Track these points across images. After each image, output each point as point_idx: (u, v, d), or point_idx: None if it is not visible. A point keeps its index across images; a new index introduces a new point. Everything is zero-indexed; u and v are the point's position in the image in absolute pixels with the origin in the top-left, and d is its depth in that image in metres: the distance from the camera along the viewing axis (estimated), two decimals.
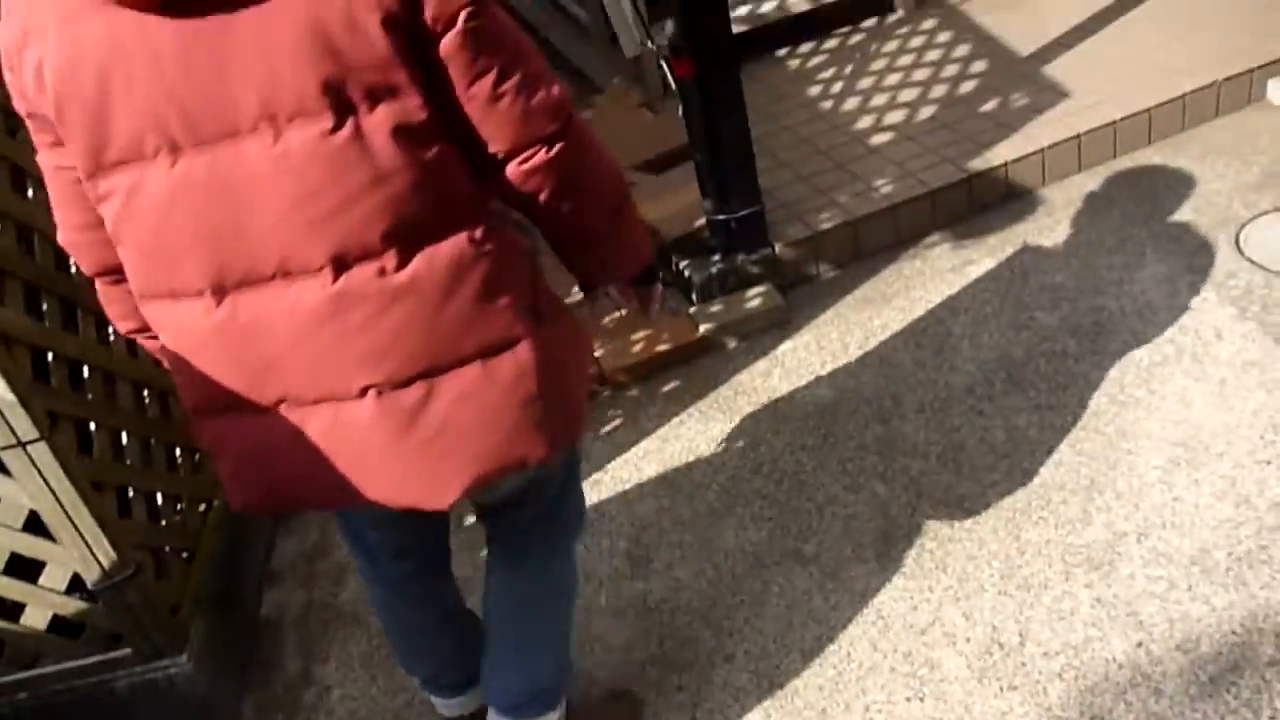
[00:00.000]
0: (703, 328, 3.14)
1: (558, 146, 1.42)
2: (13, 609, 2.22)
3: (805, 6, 4.43)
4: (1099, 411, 2.59)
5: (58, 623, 2.25)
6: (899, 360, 2.93)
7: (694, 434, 2.88)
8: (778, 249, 3.24)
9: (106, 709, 2.33)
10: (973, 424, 2.66)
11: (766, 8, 4.42)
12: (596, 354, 3.13)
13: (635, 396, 3.08)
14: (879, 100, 3.91)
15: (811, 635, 2.26)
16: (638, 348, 3.15)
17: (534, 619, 1.89)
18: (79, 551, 2.13)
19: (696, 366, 3.11)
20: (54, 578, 2.19)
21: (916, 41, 4.26)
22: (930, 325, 3.02)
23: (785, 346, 3.10)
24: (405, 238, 1.39)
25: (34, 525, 2.11)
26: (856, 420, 2.77)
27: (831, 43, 4.44)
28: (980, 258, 3.22)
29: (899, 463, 2.61)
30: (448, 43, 1.33)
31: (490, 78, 1.36)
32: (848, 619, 2.27)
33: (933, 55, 4.13)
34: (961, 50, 4.11)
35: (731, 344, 3.16)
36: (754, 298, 3.19)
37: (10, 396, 1.94)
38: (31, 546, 2.14)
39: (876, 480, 2.58)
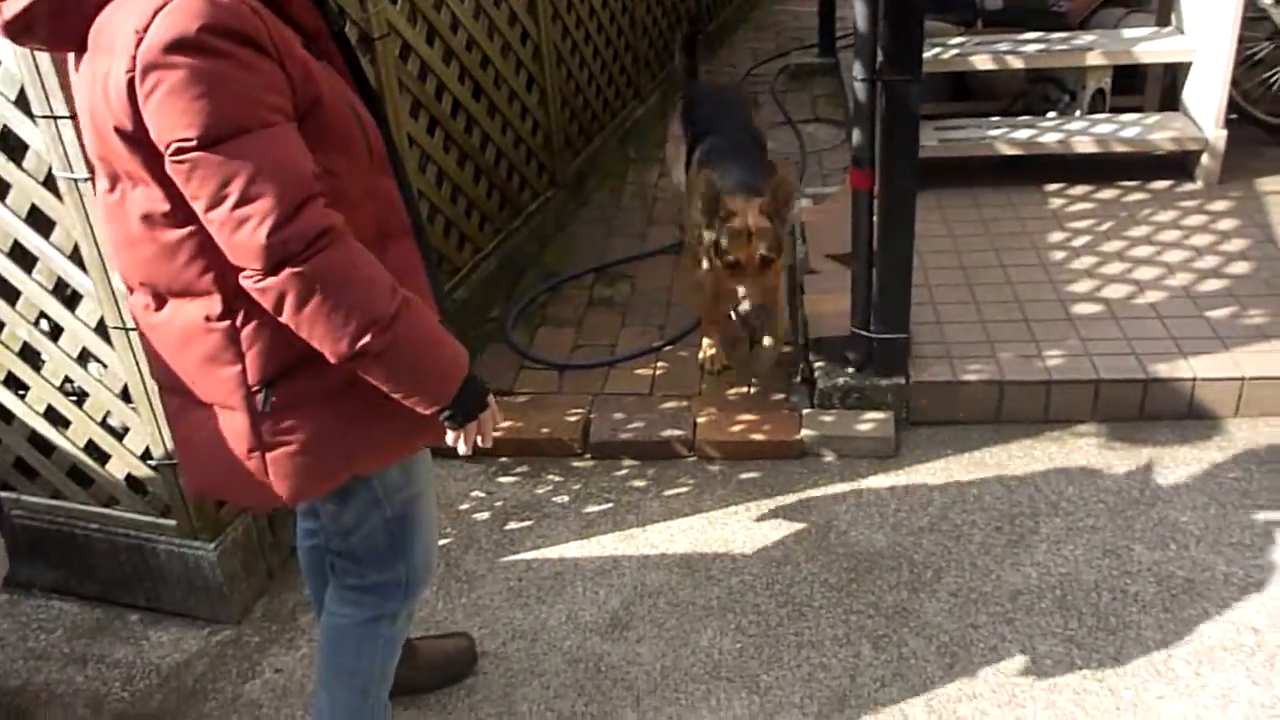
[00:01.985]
0: (805, 432, 3.12)
1: (266, 282, 1.49)
2: (100, 459, 2.66)
3: (1091, 148, 4.17)
4: (1129, 672, 2.36)
5: (131, 481, 2.66)
6: (970, 536, 2.78)
7: (740, 528, 2.89)
8: (912, 382, 3.14)
9: (147, 565, 2.73)
10: (995, 630, 2.49)
11: (1049, 139, 4.21)
12: (699, 420, 3.20)
13: (713, 472, 3.12)
14: (1113, 268, 3.64)
15: None
16: (737, 429, 3.18)
17: (328, 655, 2.09)
18: (151, 428, 2.51)
19: (783, 466, 3.10)
20: (134, 443, 2.59)
21: (1194, 220, 3.91)
22: (1024, 515, 2.83)
23: (874, 480, 3.02)
24: (156, 291, 1.65)
25: (126, 396, 2.51)
26: (889, 579, 2.67)
27: (1108, 193, 4.16)
28: (1118, 466, 2.97)
29: (899, 636, 2.50)
30: (167, 162, 1.47)
31: (201, 204, 1.47)
32: None
33: (1200, 240, 3.78)
34: (1232, 245, 3.73)
35: (827, 458, 3.12)
36: (867, 422, 3.12)
37: (124, 287, 2.32)
38: (121, 412, 2.54)
39: (867, 643, 2.49)
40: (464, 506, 3.06)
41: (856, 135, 2.92)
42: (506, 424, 3.25)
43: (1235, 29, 3.99)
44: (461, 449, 1.76)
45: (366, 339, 1.52)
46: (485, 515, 3.02)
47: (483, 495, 3.10)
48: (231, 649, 2.65)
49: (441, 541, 2.91)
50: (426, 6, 3.42)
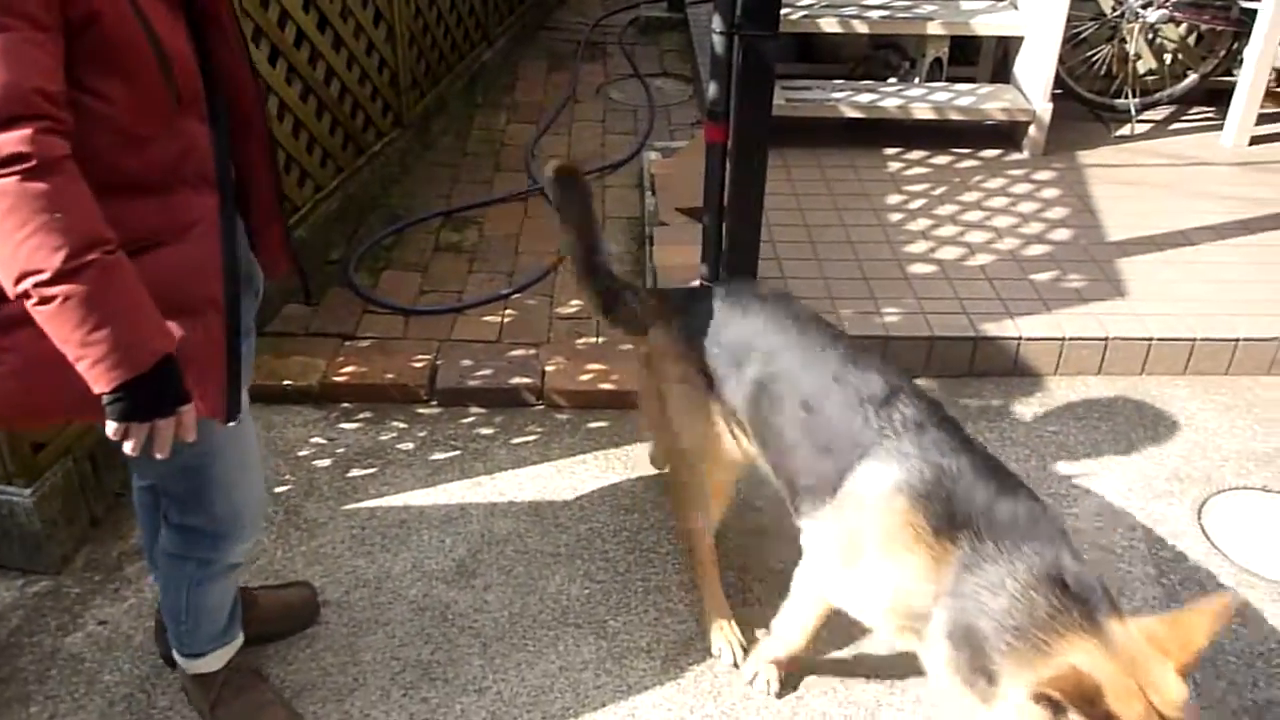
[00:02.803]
0: None
1: None
2: None
3: (929, 115, 4.33)
4: None
5: None
6: None
7: (588, 477, 2.90)
8: None
9: None
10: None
11: (889, 104, 4.35)
12: (547, 368, 3.19)
13: (561, 421, 3.11)
14: (946, 231, 3.80)
15: (560, 705, 2.27)
16: (585, 377, 3.18)
17: (161, 569, 2.09)
18: None
19: (631, 416, 3.12)
20: None
21: (1021, 188, 4.12)
22: None
23: None
24: None
25: None
26: (735, 525, 2.73)
27: (943, 159, 4.34)
28: None
29: (744, 581, 2.57)
30: None
31: None
32: (601, 705, 2.27)
33: (1025, 207, 3.99)
34: (1054, 212, 3.95)
35: None
36: None
37: None
38: None
39: None
40: (303, 453, 2.96)
41: (713, 89, 2.93)
42: (350, 369, 3.17)
43: (1065, 8, 4.19)
44: (126, 448, 1.52)
45: (27, 284, 1.37)
46: (327, 462, 2.93)
47: (323, 441, 3.01)
48: (50, 600, 2.50)
49: (279, 489, 2.81)
50: None
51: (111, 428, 1.50)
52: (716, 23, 2.86)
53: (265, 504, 2.26)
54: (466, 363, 3.24)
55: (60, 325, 1.40)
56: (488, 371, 3.20)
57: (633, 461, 2.95)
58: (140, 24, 1.48)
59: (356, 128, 4.00)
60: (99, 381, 1.44)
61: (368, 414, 3.12)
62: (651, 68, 5.66)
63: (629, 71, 5.59)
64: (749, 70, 2.86)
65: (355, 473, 2.90)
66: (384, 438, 3.03)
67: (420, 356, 3.26)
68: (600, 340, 3.38)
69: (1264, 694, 2.32)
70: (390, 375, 3.17)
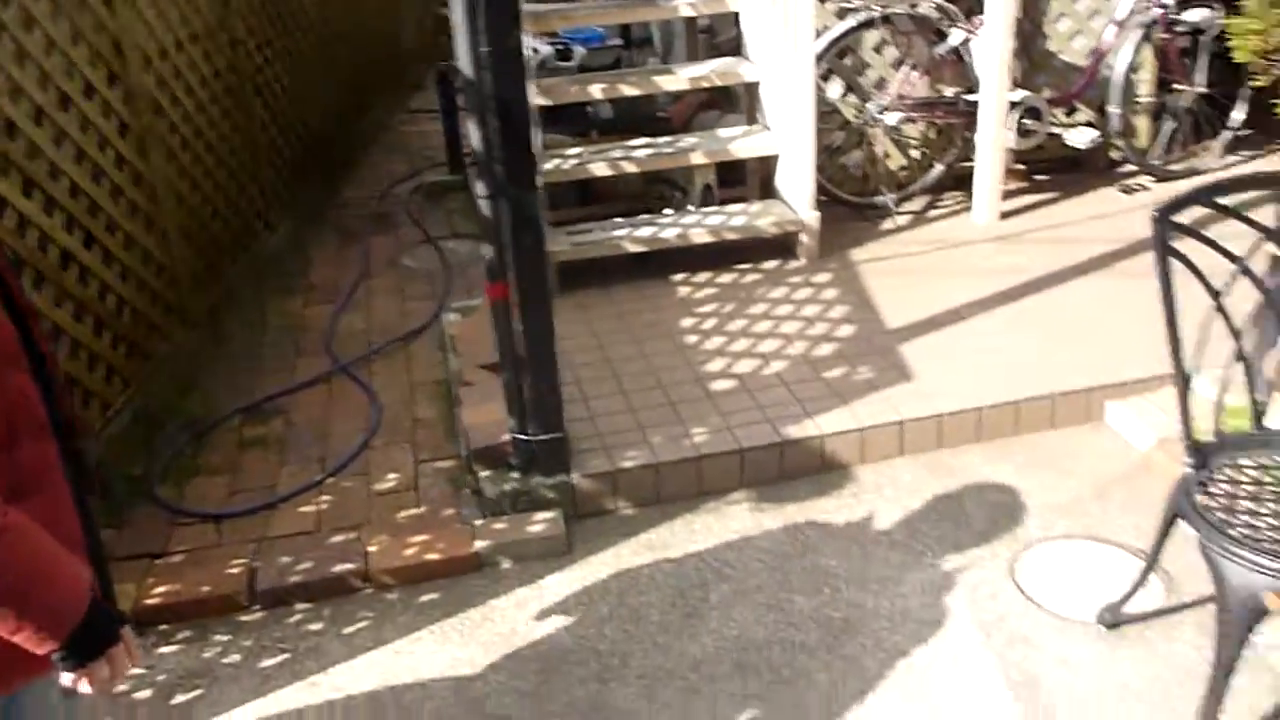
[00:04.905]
0: (479, 543, 3.13)
1: None
2: None
3: (706, 238, 4.55)
4: (806, 717, 2.53)
5: None
6: (649, 618, 2.88)
7: (427, 653, 2.84)
8: (575, 478, 3.25)
9: None
10: (683, 703, 2.59)
11: (669, 234, 4.56)
12: (370, 549, 3.13)
13: (392, 600, 3.04)
14: (739, 345, 3.97)
15: None
16: (410, 551, 3.13)
17: None
18: None
19: (463, 582, 3.09)
20: None
21: (802, 294, 4.36)
22: (694, 588, 2.98)
23: (553, 579, 3.07)
24: None
25: None
26: (578, 674, 2.71)
27: (727, 277, 4.55)
28: (772, 526, 3.21)
29: None
30: None
31: None
32: None
33: (809, 310, 4.21)
34: (836, 311, 4.18)
35: (505, 565, 3.14)
36: (538, 523, 3.18)
37: None
38: None
39: None
40: (121, 688, 2.80)
41: (487, 249, 3.02)
42: (163, 589, 3.03)
43: (813, 124, 4.52)
44: (84, 689, 1.52)
45: None
46: (147, 693, 2.77)
47: (142, 672, 2.85)
48: None
49: None
50: (19, 156, 3.20)
51: (69, 678, 1.51)
52: (480, 188, 2.97)
53: None
54: (286, 559, 3.14)
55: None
56: (309, 564, 3.11)
57: (470, 627, 2.91)
58: None
59: (140, 335, 3.91)
60: (48, 640, 1.45)
61: (187, 632, 2.97)
62: (441, 230, 5.76)
63: (420, 238, 5.68)
64: (518, 227, 2.97)
65: (179, 698, 2.75)
66: (207, 655, 2.89)
67: (236, 561, 3.14)
68: (422, 510, 3.35)
69: None
70: (206, 587, 3.04)
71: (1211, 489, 2.37)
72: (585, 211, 5.14)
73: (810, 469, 3.41)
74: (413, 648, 2.87)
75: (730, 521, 3.25)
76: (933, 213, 5.18)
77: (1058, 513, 3.18)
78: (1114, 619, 2.72)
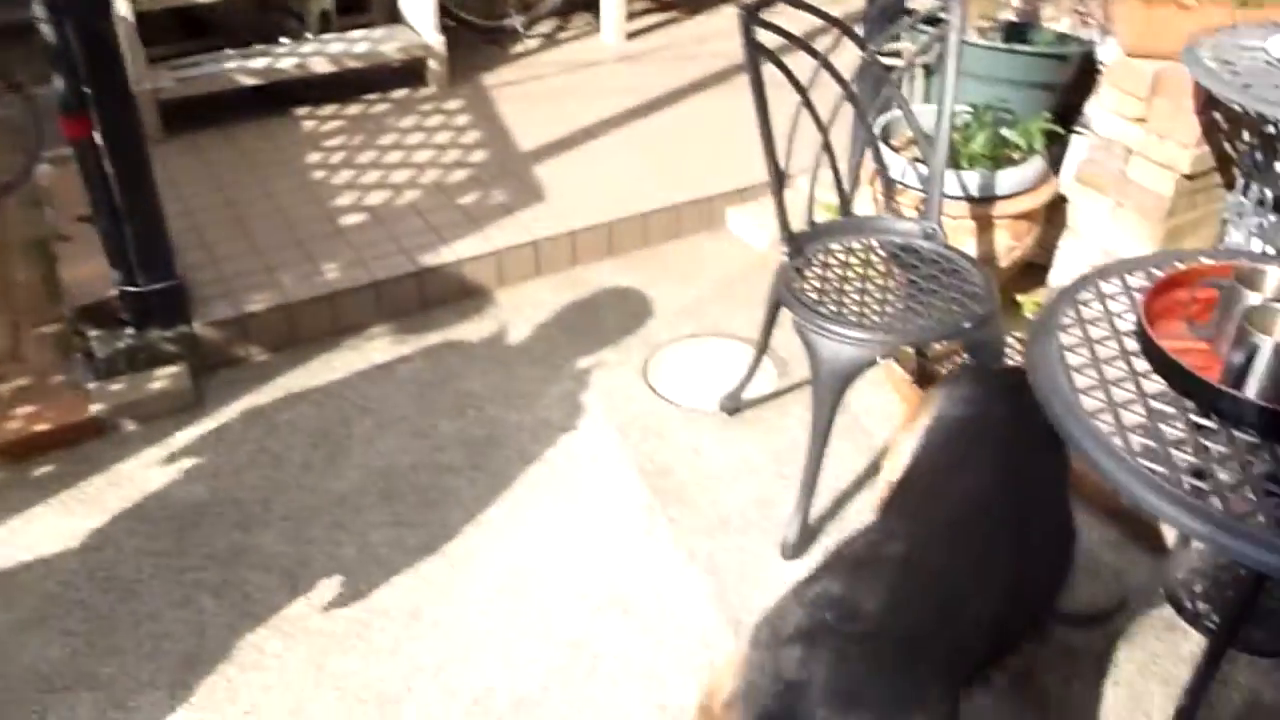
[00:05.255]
0: (96, 407, 2.90)
1: None
2: None
3: (328, 67, 4.30)
4: (453, 532, 2.58)
5: None
6: (291, 460, 2.81)
7: (47, 529, 2.62)
8: (198, 327, 3.06)
9: None
10: (330, 537, 2.57)
11: (286, 64, 4.26)
12: None
13: (2, 479, 2.79)
14: (370, 178, 3.83)
15: None
16: (16, 425, 2.86)
17: None
18: None
19: (82, 450, 2.86)
20: None
21: (434, 121, 4.25)
22: (337, 425, 2.93)
23: (183, 435, 2.91)
24: None
25: None
26: (220, 525, 2.61)
27: (355, 108, 4.34)
28: (414, 356, 3.18)
29: (240, 576, 2.48)
30: None
31: None
32: None
33: (441, 137, 4.12)
34: (469, 137, 4.12)
35: (129, 427, 2.93)
36: (160, 379, 2.98)
37: None
38: None
39: (209, 596, 2.43)
40: None
41: (58, 79, 2.69)
42: None
43: None
44: None
45: None
46: None
47: None
48: None
49: None
50: None
51: None
52: (38, 9, 2.62)
53: None
54: None
55: None
56: None
57: (94, 495, 2.71)
58: None
59: None
60: None
61: None
62: (27, 72, 5.08)
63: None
64: (92, 56, 2.66)
65: None
66: None
67: None
68: (27, 381, 3.04)
69: (725, 507, 2.65)
70: None
71: (806, 274, 2.58)
72: (195, 45, 4.69)
73: (450, 296, 3.39)
74: (28, 525, 2.64)
75: (371, 356, 3.19)
76: (562, 35, 5.16)
77: (684, 315, 3.36)
78: (734, 406, 2.95)
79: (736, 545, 2.55)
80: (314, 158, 3.99)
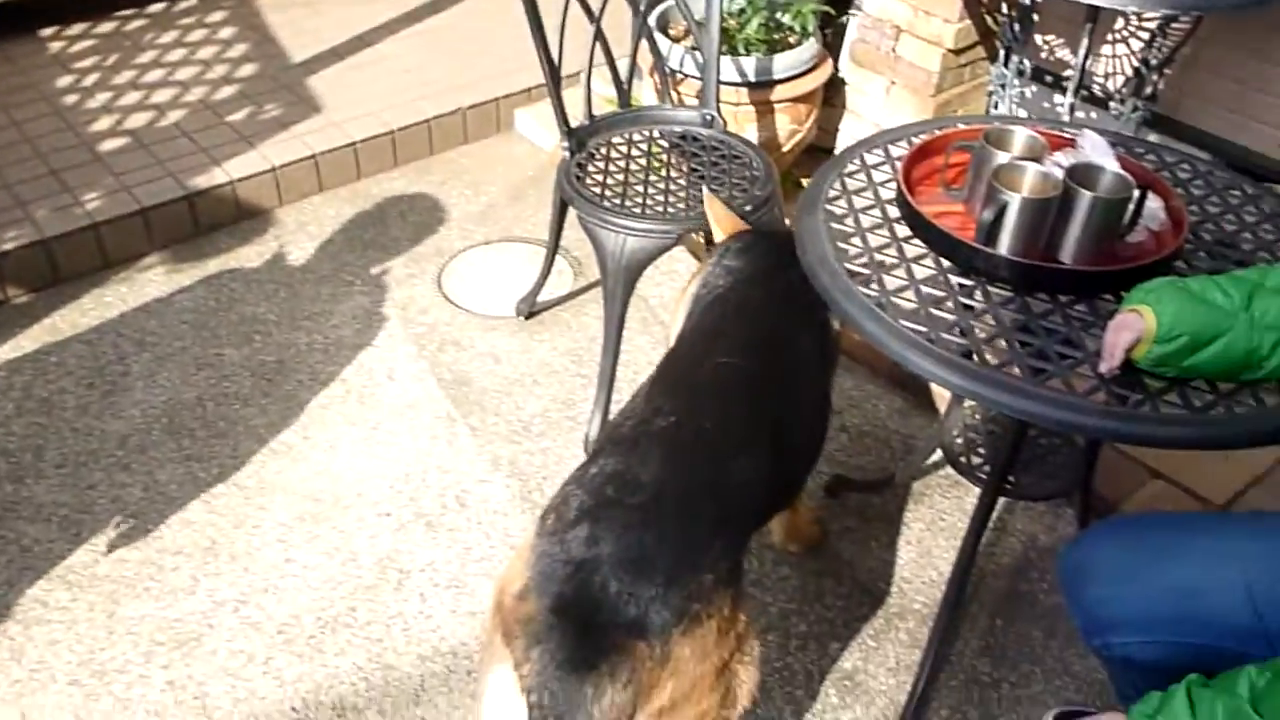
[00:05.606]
0: None
1: None
2: None
3: None
4: (247, 462, 2.49)
5: None
6: (63, 405, 2.64)
7: None
8: None
9: None
10: (112, 480, 2.44)
11: None
12: None
13: None
14: (129, 99, 3.57)
15: None
16: None
17: None
18: None
19: None
20: None
21: (197, 35, 3.97)
22: (113, 363, 2.76)
23: None
24: None
25: None
26: None
27: (107, 26, 4.02)
28: (192, 284, 3.02)
29: (17, 530, 2.32)
30: None
31: None
32: None
33: (205, 52, 3.86)
34: (236, 50, 3.88)
35: None
36: None
37: None
38: None
39: None
40: None
41: None
42: None
43: None
44: None
45: None
46: None
47: None
48: None
49: None
50: None
51: None
52: None
53: None
54: None
55: None
56: None
57: None
58: None
59: None
60: None
61: None
62: None
63: None
64: None
65: None
66: None
67: None
68: None
69: (526, 412, 2.64)
70: None
71: (589, 168, 2.55)
72: None
73: (226, 219, 3.21)
74: None
75: (146, 288, 3.01)
76: None
77: (476, 221, 3.29)
78: (529, 309, 2.92)
79: (540, 448, 2.55)
80: (64, 81, 3.67)
